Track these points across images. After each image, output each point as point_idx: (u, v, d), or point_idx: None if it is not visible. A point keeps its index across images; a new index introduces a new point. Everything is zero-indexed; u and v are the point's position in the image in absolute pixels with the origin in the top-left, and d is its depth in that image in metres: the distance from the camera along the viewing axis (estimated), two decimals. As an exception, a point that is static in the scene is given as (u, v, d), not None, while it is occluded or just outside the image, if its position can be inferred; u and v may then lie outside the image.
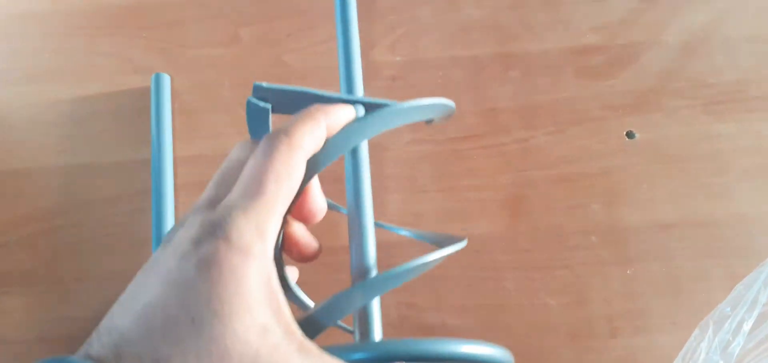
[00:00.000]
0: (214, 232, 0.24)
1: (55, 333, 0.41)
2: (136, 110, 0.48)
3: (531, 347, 0.40)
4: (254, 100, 0.33)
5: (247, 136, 0.31)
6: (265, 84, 0.32)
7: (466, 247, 0.43)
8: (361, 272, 0.33)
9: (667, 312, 0.40)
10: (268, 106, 0.33)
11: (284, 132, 0.27)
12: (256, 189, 0.25)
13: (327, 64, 0.50)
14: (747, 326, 0.33)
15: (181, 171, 0.46)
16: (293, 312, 0.25)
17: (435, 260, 0.32)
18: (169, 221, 0.44)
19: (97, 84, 0.50)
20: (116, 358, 0.23)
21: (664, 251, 0.42)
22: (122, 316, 0.24)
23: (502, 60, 0.49)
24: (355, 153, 0.35)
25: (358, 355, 0.29)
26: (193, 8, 0.53)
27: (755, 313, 0.33)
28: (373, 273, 0.33)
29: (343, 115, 0.29)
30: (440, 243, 0.34)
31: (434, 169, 0.45)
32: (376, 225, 0.36)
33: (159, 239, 0.43)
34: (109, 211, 0.45)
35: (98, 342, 0.24)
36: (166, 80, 0.49)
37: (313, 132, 0.27)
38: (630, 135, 0.46)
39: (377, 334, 0.33)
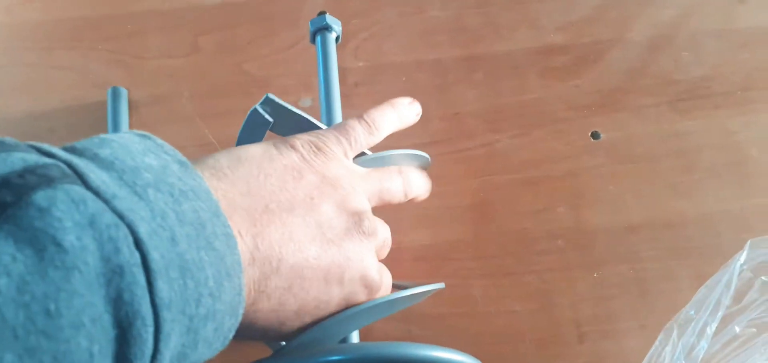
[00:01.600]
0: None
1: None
2: (94, 125, 0.47)
3: (499, 355, 0.39)
4: (260, 110, 0.33)
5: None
6: (276, 99, 0.32)
7: (434, 255, 0.42)
8: None
9: (635, 315, 0.40)
10: (271, 121, 0.33)
11: None
12: None
13: (288, 71, 0.49)
14: (711, 329, 0.32)
15: (140, 186, 0.45)
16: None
17: (410, 296, 0.31)
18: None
19: (54, 99, 0.48)
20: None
21: (631, 253, 0.41)
22: None
23: (467, 62, 0.49)
24: None
25: (334, 357, 0.28)
26: (152, 19, 0.52)
27: (718, 316, 0.32)
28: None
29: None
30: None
31: (399, 176, 0.44)
32: None
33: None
34: (66, 230, 0.44)
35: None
36: (123, 93, 0.48)
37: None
38: (595, 135, 0.45)
39: None
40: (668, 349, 0.32)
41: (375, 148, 0.36)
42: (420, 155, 0.37)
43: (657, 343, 0.33)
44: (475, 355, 0.39)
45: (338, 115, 0.40)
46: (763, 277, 0.33)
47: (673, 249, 0.42)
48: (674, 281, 0.41)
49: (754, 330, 0.34)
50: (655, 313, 0.40)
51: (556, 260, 0.41)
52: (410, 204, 0.43)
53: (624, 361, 0.38)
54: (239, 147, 0.29)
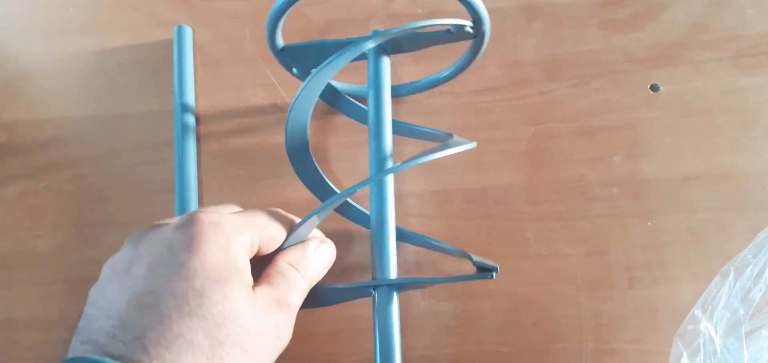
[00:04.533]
0: (191, 217, 0.29)
1: (82, 275, 0.43)
2: (160, 62, 0.49)
3: (548, 296, 0.40)
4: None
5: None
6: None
7: (486, 198, 0.43)
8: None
9: (687, 263, 0.40)
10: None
11: None
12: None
13: (348, 16, 0.50)
14: (769, 273, 0.32)
15: (203, 122, 0.47)
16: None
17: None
18: (191, 170, 0.44)
19: (122, 37, 0.50)
20: (140, 349, 0.25)
21: (685, 203, 0.41)
22: (122, 308, 0.26)
23: (526, 12, 0.49)
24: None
25: None
26: (216, -38, 0.53)
27: (777, 260, 0.32)
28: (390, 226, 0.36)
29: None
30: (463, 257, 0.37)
31: (454, 121, 0.45)
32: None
33: (182, 188, 0.44)
34: (133, 159, 0.46)
35: (109, 338, 0.26)
36: (189, 32, 0.49)
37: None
38: (654, 88, 0.45)
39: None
40: (724, 290, 0.32)
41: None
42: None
43: (712, 285, 0.33)
44: (525, 294, 0.40)
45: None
46: (824, 225, 0.33)
47: (728, 202, 0.41)
48: (729, 233, 0.41)
49: (812, 278, 0.34)
50: (708, 263, 0.40)
51: (609, 207, 0.42)
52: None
53: (675, 306, 0.39)
54: None
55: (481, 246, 0.41)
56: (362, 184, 0.33)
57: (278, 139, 0.46)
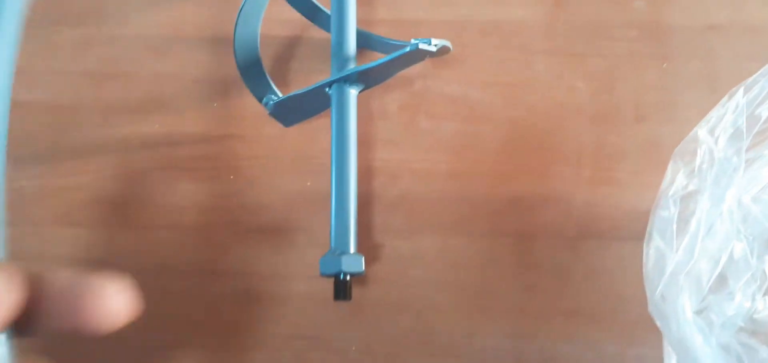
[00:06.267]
0: None
1: None
2: None
3: (553, 125, 0.39)
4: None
5: None
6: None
7: (500, 30, 0.42)
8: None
9: (699, 105, 0.38)
10: None
11: None
12: None
13: None
14: (779, 94, 0.31)
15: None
16: None
17: None
18: None
19: None
20: None
21: (705, 50, 0.40)
22: None
23: None
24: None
25: None
26: None
27: (790, 84, 0.31)
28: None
29: None
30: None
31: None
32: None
33: None
34: None
35: None
36: None
37: None
38: (689, -63, 0.43)
39: None
40: (730, 106, 0.31)
41: None
42: None
43: (720, 103, 0.32)
44: (529, 121, 0.40)
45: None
46: None
47: (751, 53, 0.40)
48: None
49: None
50: (722, 108, 0.39)
51: (626, 48, 0.41)
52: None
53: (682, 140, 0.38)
54: None
55: (487, 74, 0.41)
56: None
57: None
